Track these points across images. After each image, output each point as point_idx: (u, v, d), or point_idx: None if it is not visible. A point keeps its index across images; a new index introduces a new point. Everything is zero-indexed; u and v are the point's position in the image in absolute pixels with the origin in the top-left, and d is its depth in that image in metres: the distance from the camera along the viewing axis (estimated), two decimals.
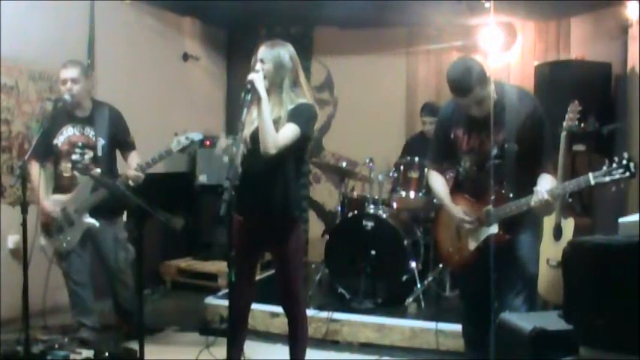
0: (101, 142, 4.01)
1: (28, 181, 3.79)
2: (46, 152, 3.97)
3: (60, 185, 4.02)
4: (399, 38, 6.44)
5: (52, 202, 3.97)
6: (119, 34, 5.35)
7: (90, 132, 4.01)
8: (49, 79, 4.74)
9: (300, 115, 3.04)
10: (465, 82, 3.00)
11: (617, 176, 2.75)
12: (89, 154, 3.98)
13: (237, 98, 3.45)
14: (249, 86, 2.93)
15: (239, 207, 2.86)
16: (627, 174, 2.73)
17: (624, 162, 2.74)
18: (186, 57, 6.29)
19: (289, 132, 2.99)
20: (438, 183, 3.38)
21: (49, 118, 3.92)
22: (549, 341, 2.61)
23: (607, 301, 2.24)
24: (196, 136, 3.83)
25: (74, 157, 3.96)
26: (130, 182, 3.82)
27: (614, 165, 2.76)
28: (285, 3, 5.52)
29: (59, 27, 4.79)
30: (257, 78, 2.95)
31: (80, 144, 3.98)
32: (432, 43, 6.29)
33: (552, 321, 2.70)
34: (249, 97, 2.92)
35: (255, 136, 3.00)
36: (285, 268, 3.20)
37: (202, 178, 5.77)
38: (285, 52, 3.09)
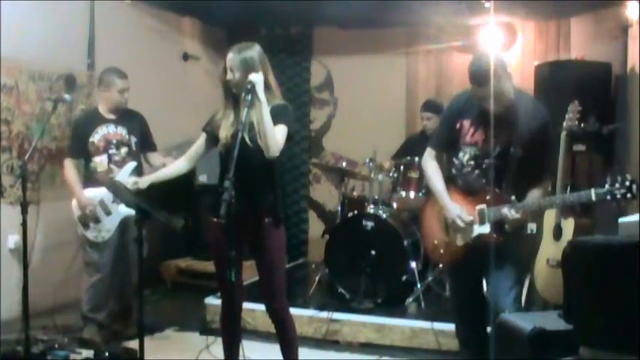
0: (133, 139, 4.33)
1: (64, 177, 4.24)
2: (81, 150, 4.24)
3: (95, 179, 4.19)
4: (399, 38, 6.43)
5: (87, 196, 4.16)
6: (119, 34, 5.35)
7: (122, 131, 4.30)
8: (49, 79, 4.74)
9: (285, 115, 3.06)
10: (486, 71, 2.99)
11: (619, 196, 2.76)
12: (124, 149, 4.27)
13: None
14: (249, 86, 2.92)
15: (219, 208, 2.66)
16: (629, 195, 2.74)
17: (627, 183, 2.74)
18: (186, 57, 6.29)
19: (283, 133, 3.01)
20: (436, 175, 3.31)
21: (80, 120, 4.41)
22: (549, 341, 2.61)
23: (607, 301, 2.24)
24: None
25: (111, 151, 4.23)
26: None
27: (617, 185, 2.76)
28: (285, 3, 5.52)
29: (59, 27, 4.79)
30: (258, 80, 2.94)
31: (115, 141, 4.25)
32: (432, 43, 6.28)
33: (552, 321, 2.71)
34: (249, 97, 2.91)
35: (236, 137, 2.89)
36: (269, 268, 3.19)
37: (202, 178, 5.77)
38: (253, 55, 3.04)
